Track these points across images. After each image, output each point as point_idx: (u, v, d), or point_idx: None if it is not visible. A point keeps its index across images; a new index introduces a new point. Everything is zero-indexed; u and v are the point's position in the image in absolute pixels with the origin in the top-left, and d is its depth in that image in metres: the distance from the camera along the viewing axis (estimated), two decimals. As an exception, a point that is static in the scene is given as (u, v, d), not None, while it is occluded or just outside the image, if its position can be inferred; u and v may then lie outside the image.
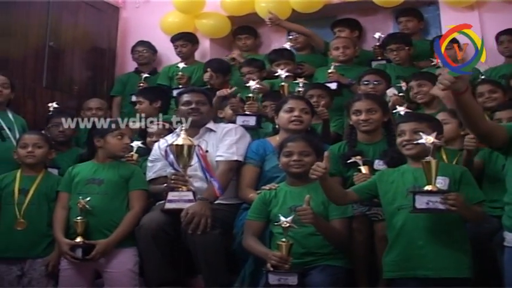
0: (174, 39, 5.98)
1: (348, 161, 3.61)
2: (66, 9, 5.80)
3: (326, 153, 3.15)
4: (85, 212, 3.63)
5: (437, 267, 2.90)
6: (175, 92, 5.29)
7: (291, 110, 3.92)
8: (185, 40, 5.95)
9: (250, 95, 4.47)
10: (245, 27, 6.18)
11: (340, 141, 3.96)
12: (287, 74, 4.74)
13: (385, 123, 3.76)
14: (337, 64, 5.03)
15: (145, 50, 6.13)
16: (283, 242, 3.15)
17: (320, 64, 5.51)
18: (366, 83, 4.47)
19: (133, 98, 5.67)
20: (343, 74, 4.99)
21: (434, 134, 2.92)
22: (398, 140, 3.19)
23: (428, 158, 2.87)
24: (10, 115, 4.54)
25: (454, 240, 2.94)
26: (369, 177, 3.47)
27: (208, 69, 5.46)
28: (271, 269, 3.12)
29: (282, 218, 3.17)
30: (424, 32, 5.79)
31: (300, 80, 4.77)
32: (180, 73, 5.58)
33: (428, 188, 2.87)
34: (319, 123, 4.32)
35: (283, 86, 4.66)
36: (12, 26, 5.24)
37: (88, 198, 3.63)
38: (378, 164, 3.62)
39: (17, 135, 4.38)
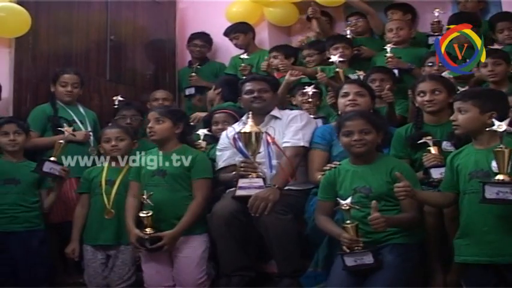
0: (226, 34, 6.07)
1: (419, 142, 3.59)
2: (124, 2, 5.88)
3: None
4: (149, 205, 3.69)
5: (504, 253, 2.87)
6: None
7: (346, 94, 3.91)
8: (236, 32, 6.01)
9: (310, 99, 4.54)
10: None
11: (407, 124, 3.95)
12: (340, 59, 4.74)
13: (451, 104, 3.71)
14: (392, 46, 4.97)
15: (202, 45, 6.18)
16: (348, 223, 3.15)
17: (378, 48, 5.46)
18: (431, 64, 4.42)
19: (187, 92, 5.89)
20: (400, 56, 4.95)
21: (507, 120, 2.84)
22: None
23: (501, 147, 2.80)
24: (81, 109, 4.71)
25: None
26: (439, 158, 3.47)
27: (266, 58, 5.61)
28: (347, 250, 3.13)
29: (341, 201, 3.17)
30: (485, 12, 5.66)
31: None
32: (242, 64, 5.66)
33: (499, 177, 2.79)
34: (383, 106, 4.31)
35: (337, 72, 4.67)
36: (74, 22, 5.36)
37: (151, 193, 3.69)
38: (446, 146, 3.59)
39: (89, 128, 4.58)
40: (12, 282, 3.75)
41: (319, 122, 4.38)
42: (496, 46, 4.63)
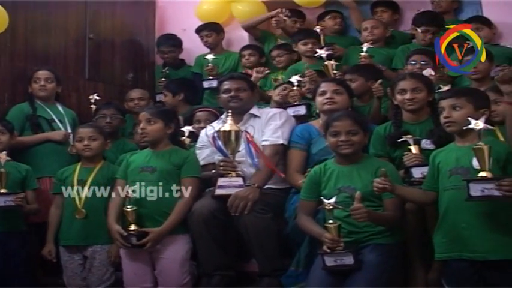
0: (198, 30, 5.99)
1: (399, 140, 3.58)
2: (103, 0, 5.82)
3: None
4: (134, 200, 3.67)
5: (483, 250, 2.87)
6: (205, 84, 5.52)
7: (323, 92, 3.91)
8: (209, 30, 5.96)
9: (294, 88, 4.52)
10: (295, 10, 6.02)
11: (386, 122, 3.93)
12: (328, 52, 4.69)
13: (430, 102, 3.70)
14: (369, 46, 4.92)
15: (170, 50, 6.04)
16: (331, 223, 3.14)
17: (350, 45, 5.48)
18: (413, 62, 4.39)
19: (157, 98, 5.73)
20: (373, 56, 4.93)
21: (483, 118, 2.87)
22: (441, 117, 3.16)
23: (480, 144, 2.81)
24: (60, 108, 4.68)
25: (500, 222, 2.89)
26: (420, 157, 3.48)
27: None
28: (328, 251, 3.12)
29: (325, 201, 3.16)
30: (459, 11, 5.66)
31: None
32: (210, 64, 5.60)
33: (482, 175, 2.81)
34: (366, 105, 4.33)
35: (326, 65, 4.60)
36: (52, 21, 5.28)
37: (134, 187, 3.68)
38: (426, 144, 3.59)
39: (68, 128, 4.56)
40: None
41: (303, 108, 4.38)
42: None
